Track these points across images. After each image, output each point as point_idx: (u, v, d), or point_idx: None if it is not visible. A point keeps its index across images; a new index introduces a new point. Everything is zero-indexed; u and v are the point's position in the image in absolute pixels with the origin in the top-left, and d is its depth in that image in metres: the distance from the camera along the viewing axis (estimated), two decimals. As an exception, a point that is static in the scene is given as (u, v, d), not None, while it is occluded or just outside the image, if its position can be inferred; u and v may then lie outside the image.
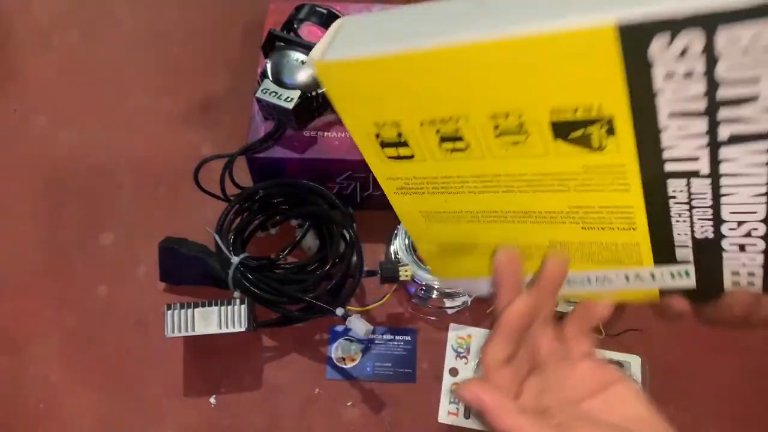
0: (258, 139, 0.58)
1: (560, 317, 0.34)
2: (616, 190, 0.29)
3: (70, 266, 0.64)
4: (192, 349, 0.59)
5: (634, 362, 0.56)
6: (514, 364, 0.30)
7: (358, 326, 0.53)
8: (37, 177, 0.69)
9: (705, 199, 0.27)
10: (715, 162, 0.26)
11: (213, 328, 0.54)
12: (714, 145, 0.25)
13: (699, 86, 0.23)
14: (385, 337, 0.60)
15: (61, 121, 0.73)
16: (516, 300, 0.29)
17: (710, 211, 0.28)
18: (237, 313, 0.54)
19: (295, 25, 0.59)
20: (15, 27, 0.81)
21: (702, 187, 0.27)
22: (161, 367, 0.59)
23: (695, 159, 0.26)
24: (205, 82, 0.75)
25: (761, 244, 0.29)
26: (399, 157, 0.31)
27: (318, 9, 0.58)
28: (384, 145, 0.31)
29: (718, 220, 0.28)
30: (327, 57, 0.27)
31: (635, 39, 0.22)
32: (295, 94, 0.54)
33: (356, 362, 0.59)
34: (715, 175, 0.26)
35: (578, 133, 0.26)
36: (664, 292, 0.34)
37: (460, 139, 0.29)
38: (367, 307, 0.59)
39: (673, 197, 0.28)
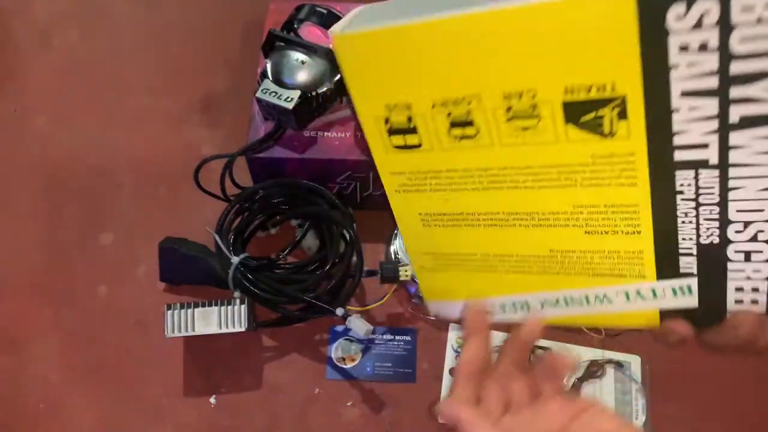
0: (258, 139, 0.58)
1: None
2: (623, 184, 0.28)
3: (70, 266, 0.64)
4: (192, 349, 0.59)
5: (634, 362, 0.56)
6: (486, 405, 0.32)
7: (358, 326, 0.53)
8: (37, 177, 0.69)
9: (712, 194, 0.27)
10: (724, 149, 0.26)
11: (213, 328, 0.54)
12: (724, 130, 0.25)
13: (712, 60, 0.23)
14: (385, 337, 0.60)
15: (61, 121, 0.73)
16: (467, 349, 0.33)
17: (717, 209, 0.28)
18: (237, 313, 0.54)
19: (295, 25, 0.59)
20: (15, 27, 0.81)
21: (710, 179, 0.27)
22: (161, 367, 0.59)
23: (705, 146, 0.26)
24: (205, 82, 0.75)
25: (767, 251, 0.28)
26: (406, 147, 0.31)
27: (318, 9, 0.58)
28: (392, 132, 0.31)
29: (724, 220, 0.28)
30: (346, 30, 0.28)
31: (653, 6, 0.23)
32: (295, 94, 0.54)
33: (356, 362, 0.59)
34: (723, 165, 0.26)
35: (590, 116, 0.26)
36: (664, 315, 0.32)
37: (470, 123, 0.29)
38: (367, 307, 0.59)
39: (680, 192, 0.28)
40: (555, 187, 0.30)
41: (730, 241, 0.28)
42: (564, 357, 0.34)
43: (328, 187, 0.60)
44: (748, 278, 0.29)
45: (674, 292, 0.31)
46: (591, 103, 0.26)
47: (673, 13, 0.23)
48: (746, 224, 0.28)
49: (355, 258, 0.58)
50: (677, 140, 0.26)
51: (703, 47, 0.23)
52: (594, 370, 0.56)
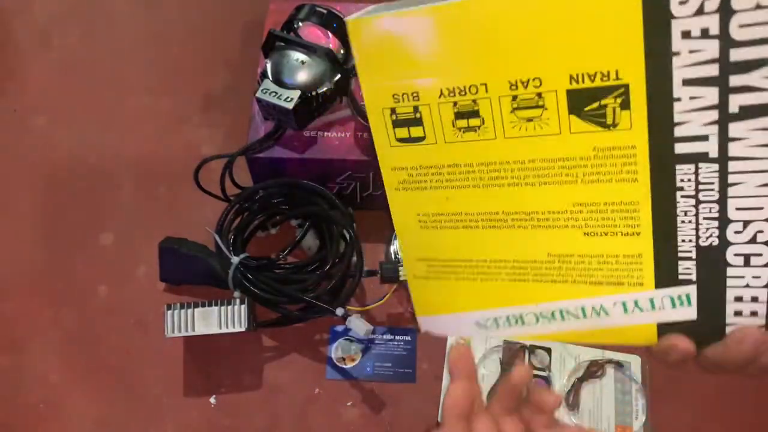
0: (258, 139, 0.58)
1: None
2: (624, 179, 0.28)
3: (70, 266, 0.64)
4: (192, 349, 0.59)
5: (634, 362, 0.56)
6: None
7: (358, 326, 0.53)
8: (37, 177, 0.69)
9: (712, 190, 0.27)
10: (724, 141, 0.26)
11: (213, 328, 0.54)
12: (724, 121, 0.26)
13: (713, 47, 0.24)
14: (385, 337, 0.60)
15: (61, 121, 0.73)
16: (453, 389, 0.33)
17: (716, 207, 0.28)
18: (237, 313, 0.54)
19: (295, 25, 0.59)
20: (15, 27, 0.81)
21: (710, 174, 0.27)
22: (161, 367, 0.59)
23: (705, 138, 0.26)
24: (205, 82, 0.75)
25: (766, 254, 0.28)
26: (409, 139, 0.32)
27: (318, 9, 0.58)
28: (397, 124, 0.31)
29: (724, 219, 0.28)
30: (361, 16, 0.29)
31: None
32: (295, 94, 0.54)
33: (356, 362, 0.59)
34: (723, 159, 0.27)
35: (593, 105, 0.27)
36: (663, 330, 0.31)
37: (475, 114, 0.29)
38: (367, 307, 0.59)
39: (680, 188, 0.28)
40: (556, 183, 0.30)
41: (729, 243, 0.28)
42: (550, 392, 0.34)
43: (328, 187, 0.60)
44: (748, 286, 0.29)
45: (673, 302, 0.31)
46: (595, 91, 0.27)
47: None
48: (745, 224, 0.28)
49: (355, 258, 0.58)
50: (678, 131, 0.27)
51: (704, 33, 0.24)
52: (594, 370, 0.56)
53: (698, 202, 0.28)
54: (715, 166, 0.27)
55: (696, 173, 0.27)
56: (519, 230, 0.32)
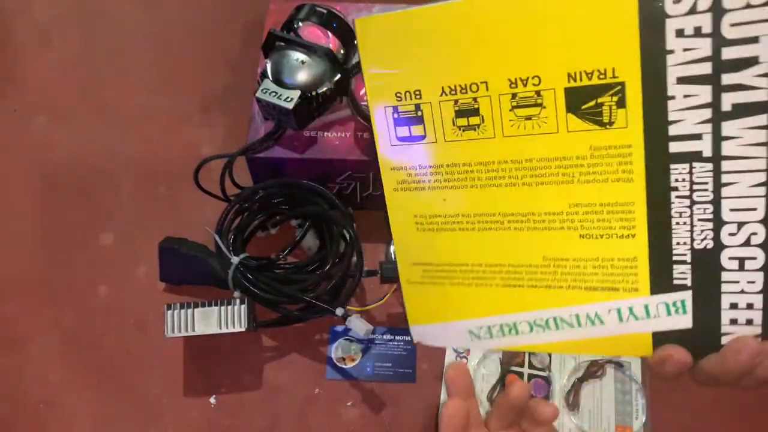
0: (258, 139, 0.58)
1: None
2: (620, 179, 0.29)
3: (70, 266, 0.64)
4: (192, 349, 0.59)
5: (634, 362, 0.56)
6: None
7: (358, 326, 0.53)
8: (37, 177, 0.69)
9: (706, 190, 0.28)
10: (717, 140, 0.27)
11: (213, 328, 0.54)
12: (717, 120, 0.26)
13: (706, 45, 0.25)
14: (385, 337, 0.60)
15: (61, 121, 0.73)
16: (450, 405, 0.33)
17: (711, 208, 0.28)
18: (237, 313, 0.54)
19: (295, 25, 0.59)
20: (15, 27, 0.81)
21: (704, 174, 0.27)
22: (161, 367, 0.59)
23: (699, 137, 0.27)
24: (205, 82, 0.75)
25: (761, 257, 0.28)
26: (410, 138, 0.32)
27: (318, 9, 0.58)
28: (398, 122, 0.32)
29: (718, 221, 0.28)
30: (369, 16, 0.30)
31: None
32: (295, 94, 0.54)
33: (356, 362, 0.59)
34: (716, 158, 0.27)
35: (590, 103, 0.28)
36: (658, 341, 0.31)
37: (475, 112, 0.30)
38: (367, 307, 0.59)
39: (675, 189, 0.28)
40: (553, 183, 0.30)
41: (724, 246, 0.29)
42: (547, 404, 0.34)
43: (328, 187, 0.60)
44: (743, 291, 0.29)
45: (668, 309, 0.30)
46: (592, 89, 0.27)
47: None
48: (740, 225, 0.28)
49: (355, 258, 0.58)
50: (672, 130, 0.27)
51: (697, 32, 0.25)
52: (594, 370, 0.56)
53: (693, 202, 0.28)
54: (709, 166, 0.27)
55: (690, 173, 0.28)
56: (515, 232, 0.32)
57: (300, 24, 0.59)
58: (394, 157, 0.33)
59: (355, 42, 0.58)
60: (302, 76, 0.56)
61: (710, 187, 0.28)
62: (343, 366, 0.59)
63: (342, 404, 0.57)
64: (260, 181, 0.61)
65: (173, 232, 0.62)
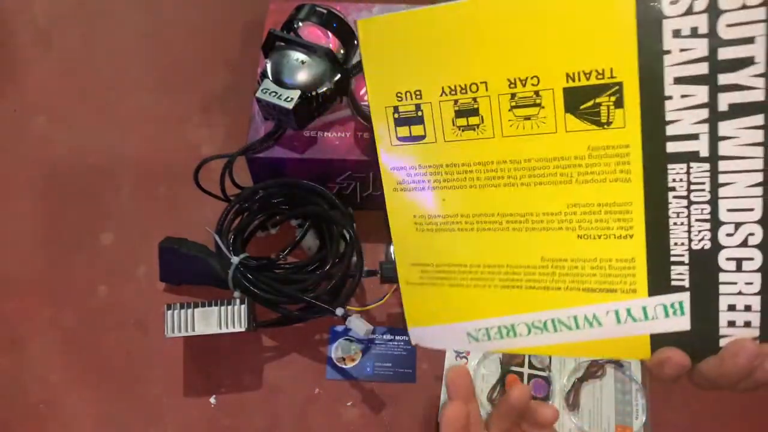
0: (258, 139, 0.58)
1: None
2: (618, 179, 0.29)
3: (70, 266, 0.64)
4: (192, 349, 0.59)
5: (634, 362, 0.56)
6: None
7: (358, 326, 0.53)
8: (37, 177, 0.69)
9: (703, 190, 0.28)
10: (714, 140, 0.27)
11: (213, 328, 0.54)
12: (713, 120, 0.27)
13: (702, 46, 0.26)
14: (385, 337, 0.60)
15: (61, 121, 0.73)
16: (451, 408, 0.33)
17: (708, 208, 0.28)
18: (237, 313, 0.54)
19: (295, 25, 0.59)
20: (15, 27, 0.81)
21: (701, 174, 0.28)
22: (161, 367, 0.59)
23: (696, 137, 0.27)
24: (205, 82, 0.75)
25: (759, 258, 0.28)
26: (410, 138, 0.32)
27: (318, 9, 0.58)
28: (399, 122, 0.32)
29: (715, 221, 0.28)
30: (371, 17, 0.31)
31: None
32: (295, 94, 0.54)
33: (356, 362, 0.59)
34: (713, 158, 0.27)
35: (588, 103, 0.28)
36: (656, 343, 0.31)
37: (475, 112, 0.30)
38: (367, 307, 0.59)
39: (672, 189, 0.28)
40: (551, 183, 0.30)
41: (721, 246, 0.29)
42: (548, 407, 0.35)
43: (328, 187, 0.60)
44: (740, 293, 0.29)
45: (666, 311, 0.30)
46: (590, 89, 0.28)
47: None
48: (737, 226, 0.28)
49: (355, 258, 0.58)
50: (670, 130, 0.27)
51: (693, 32, 0.26)
52: (594, 371, 0.56)
53: (690, 203, 0.28)
54: (706, 166, 0.27)
55: (688, 173, 0.28)
56: (513, 233, 0.32)
57: (300, 24, 0.59)
58: (395, 158, 0.33)
59: (356, 42, 0.58)
60: (302, 76, 0.56)
61: (707, 187, 0.28)
62: (343, 366, 0.59)
63: (342, 404, 0.57)
64: (260, 181, 0.61)
65: (173, 232, 0.62)
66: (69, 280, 0.63)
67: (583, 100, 0.28)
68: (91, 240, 0.65)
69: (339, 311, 0.54)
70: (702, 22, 0.25)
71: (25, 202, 0.68)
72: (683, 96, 0.27)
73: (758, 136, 0.26)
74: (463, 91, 0.30)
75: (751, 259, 0.28)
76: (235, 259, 0.56)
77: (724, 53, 0.26)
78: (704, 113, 0.27)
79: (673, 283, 0.30)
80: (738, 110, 0.26)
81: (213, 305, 0.55)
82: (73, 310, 0.62)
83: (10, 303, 0.62)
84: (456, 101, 0.30)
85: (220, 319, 0.54)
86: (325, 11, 0.58)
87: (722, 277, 0.29)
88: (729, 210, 0.28)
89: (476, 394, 0.36)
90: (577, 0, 0.27)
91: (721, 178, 0.27)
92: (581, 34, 0.27)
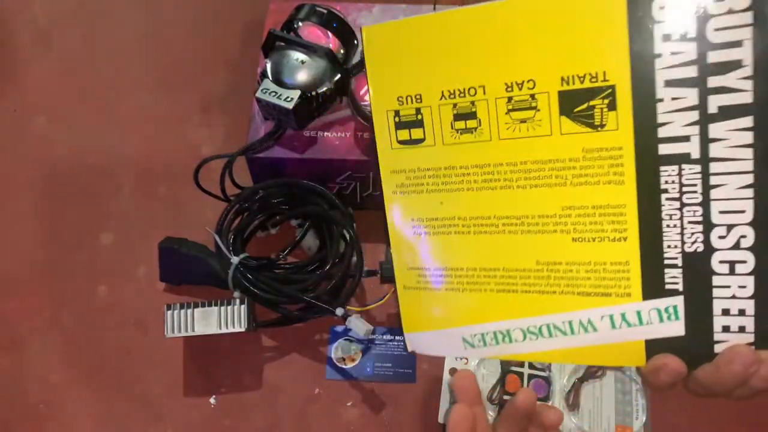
0: (258, 139, 0.58)
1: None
2: (611, 181, 0.29)
3: (70, 266, 0.64)
4: (192, 349, 0.59)
5: (634, 362, 0.56)
6: None
7: (358, 326, 0.53)
8: (37, 177, 0.69)
9: (695, 192, 0.28)
10: (704, 142, 0.27)
11: (213, 328, 0.54)
12: (704, 122, 0.27)
13: (692, 50, 0.26)
14: (385, 337, 0.60)
15: (61, 121, 0.73)
16: (457, 411, 0.33)
17: (700, 210, 0.28)
18: (237, 313, 0.54)
19: (295, 25, 0.59)
20: (15, 27, 0.81)
21: (693, 176, 0.28)
22: (161, 367, 0.59)
23: (687, 139, 0.28)
24: (205, 82, 0.75)
25: (751, 261, 0.28)
26: (410, 141, 0.33)
27: (318, 9, 0.58)
28: (399, 126, 0.33)
29: (708, 223, 0.28)
30: (375, 24, 0.32)
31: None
32: (295, 94, 0.54)
33: (356, 362, 0.59)
34: (704, 160, 0.28)
35: (583, 106, 0.29)
36: (651, 350, 0.31)
37: (473, 116, 0.31)
38: (367, 307, 0.59)
39: (665, 191, 0.28)
40: (546, 186, 0.30)
41: (714, 249, 0.29)
42: (552, 409, 0.35)
43: (328, 187, 0.60)
44: (734, 297, 0.29)
45: (660, 315, 0.30)
46: (584, 92, 0.28)
47: (657, 3, 0.26)
48: (729, 228, 0.28)
49: (355, 258, 0.58)
50: (661, 132, 0.28)
51: (683, 36, 0.26)
52: (594, 371, 0.56)
53: (682, 204, 0.28)
54: (698, 167, 0.28)
55: (680, 174, 0.28)
56: (509, 236, 0.32)
57: (300, 24, 0.59)
58: (395, 161, 0.34)
59: (356, 42, 0.59)
60: (302, 76, 0.56)
61: (699, 189, 0.28)
62: (343, 366, 0.59)
63: (342, 404, 0.57)
64: (260, 181, 0.61)
65: (173, 232, 0.62)
66: (69, 280, 0.63)
67: (578, 103, 0.29)
68: (91, 240, 0.65)
69: (339, 311, 0.54)
70: (691, 27, 0.26)
71: (25, 202, 0.68)
72: (674, 99, 0.27)
73: (747, 137, 0.27)
74: (462, 94, 0.31)
75: (744, 261, 0.28)
76: (235, 259, 0.56)
77: (713, 56, 0.26)
78: (695, 115, 0.27)
79: (667, 286, 0.30)
80: (727, 112, 0.27)
81: (213, 305, 0.55)
82: (73, 310, 0.62)
83: (10, 303, 0.62)
84: (455, 105, 0.31)
85: (220, 319, 0.54)
86: (325, 11, 0.58)
87: (716, 280, 0.29)
88: (721, 212, 0.28)
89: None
90: (571, 6, 0.27)
91: (713, 180, 0.28)
92: (575, 39, 0.28)
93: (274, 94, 0.55)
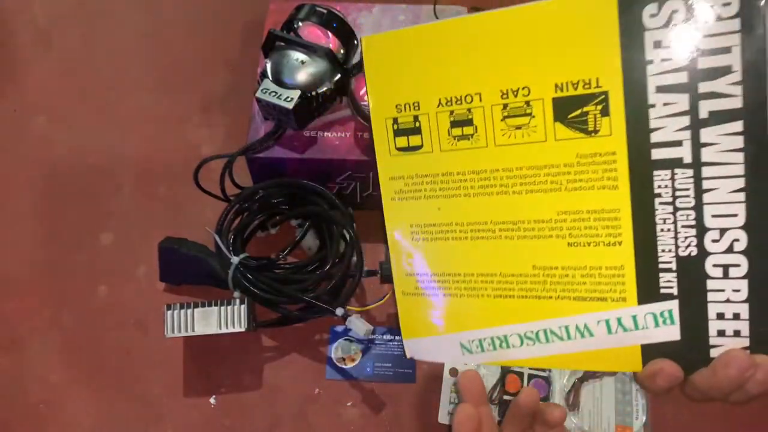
0: (258, 139, 0.58)
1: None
2: (605, 186, 0.30)
3: (70, 266, 0.64)
4: (192, 349, 0.59)
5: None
6: None
7: (358, 326, 0.53)
8: (37, 177, 0.69)
9: (688, 197, 0.28)
10: (696, 147, 0.28)
11: (213, 328, 0.54)
12: (695, 126, 0.28)
13: (682, 56, 0.27)
14: (385, 337, 0.60)
15: (61, 121, 0.73)
16: (462, 410, 0.34)
17: (693, 214, 0.29)
18: (237, 313, 0.54)
19: (295, 25, 0.59)
20: (15, 27, 0.81)
21: (685, 180, 0.28)
22: (161, 367, 0.59)
23: (679, 144, 0.28)
24: (205, 82, 0.75)
25: (744, 264, 0.28)
26: (408, 148, 0.33)
27: (318, 9, 0.58)
28: (398, 133, 0.34)
29: (701, 227, 0.29)
30: (375, 33, 0.33)
31: (632, 5, 0.27)
32: (295, 94, 0.54)
33: (356, 362, 0.59)
34: (696, 164, 0.28)
35: (576, 112, 0.29)
36: (647, 355, 0.31)
37: (469, 123, 0.31)
38: (367, 307, 0.59)
39: (658, 195, 0.29)
40: (541, 191, 0.31)
41: (707, 253, 0.29)
42: (556, 407, 0.35)
43: (328, 187, 0.60)
44: (729, 300, 0.29)
45: (656, 320, 0.30)
46: (578, 98, 0.29)
47: (648, 11, 0.27)
48: (722, 232, 0.28)
49: (355, 258, 0.58)
50: (654, 137, 0.28)
51: (675, 42, 0.27)
52: (594, 371, 0.56)
53: (676, 209, 0.29)
54: (690, 172, 0.28)
55: (672, 179, 0.28)
56: (506, 241, 0.33)
57: (300, 24, 0.59)
58: (393, 167, 0.34)
59: (356, 42, 0.59)
60: (302, 76, 0.56)
61: (692, 193, 0.28)
62: (343, 366, 0.59)
63: (342, 404, 0.57)
64: (260, 181, 0.61)
65: (173, 232, 0.62)
66: (69, 280, 0.63)
67: (571, 109, 0.29)
68: (91, 240, 0.65)
69: (339, 311, 0.54)
70: (681, 34, 0.27)
71: (25, 202, 0.68)
72: (666, 104, 0.28)
73: (738, 142, 0.27)
74: (459, 102, 0.31)
75: (738, 265, 0.29)
76: (235, 259, 0.56)
77: (703, 63, 0.27)
78: (686, 120, 0.28)
79: (662, 290, 0.30)
80: (718, 117, 0.27)
81: (213, 305, 0.55)
82: (73, 310, 0.62)
83: (10, 303, 0.62)
84: (452, 112, 0.32)
85: (220, 319, 0.54)
86: (325, 11, 0.58)
87: (710, 284, 0.29)
88: (714, 216, 0.28)
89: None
90: (564, 15, 0.28)
91: (705, 184, 0.28)
92: (568, 47, 0.28)
93: (274, 94, 0.55)
